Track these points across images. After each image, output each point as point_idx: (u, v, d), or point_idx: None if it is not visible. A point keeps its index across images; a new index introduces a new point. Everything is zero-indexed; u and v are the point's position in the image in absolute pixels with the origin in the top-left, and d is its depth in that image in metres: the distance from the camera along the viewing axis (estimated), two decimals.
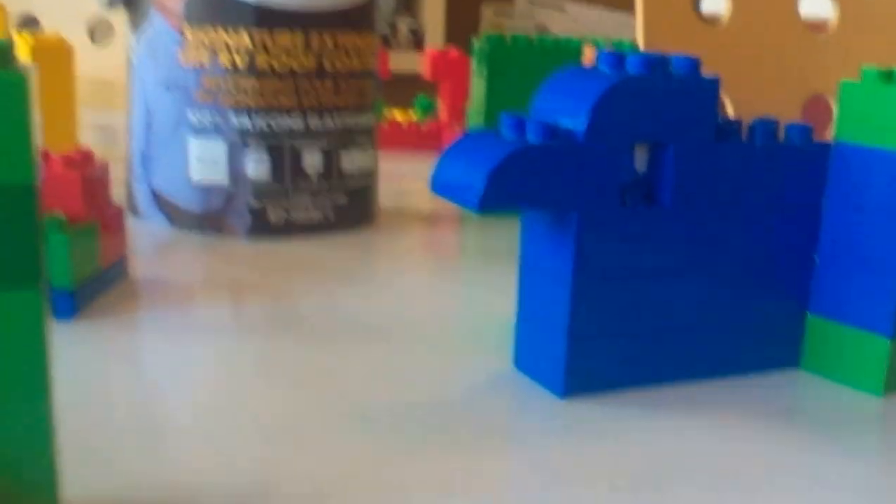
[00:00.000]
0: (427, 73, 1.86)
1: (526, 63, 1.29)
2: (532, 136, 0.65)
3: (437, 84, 1.92)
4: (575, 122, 0.66)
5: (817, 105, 1.44)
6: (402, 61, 3.15)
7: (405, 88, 2.17)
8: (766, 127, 0.72)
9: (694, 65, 0.69)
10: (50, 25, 2.28)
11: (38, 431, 0.43)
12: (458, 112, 1.83)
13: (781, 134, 0.74)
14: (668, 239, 0.70)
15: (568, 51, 1.28)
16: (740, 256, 0.73)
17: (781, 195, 0.73)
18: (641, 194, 0.70)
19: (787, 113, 1.53)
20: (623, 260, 0.69)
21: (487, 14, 4.40)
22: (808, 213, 0.75)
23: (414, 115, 2.06)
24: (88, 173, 0.83)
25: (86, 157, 0.84)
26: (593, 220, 0.67)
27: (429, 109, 2.05)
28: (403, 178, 1.55)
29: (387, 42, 4.09)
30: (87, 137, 1.77)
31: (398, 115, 2.06)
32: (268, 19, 1.09)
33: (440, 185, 0.68)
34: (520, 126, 0.66)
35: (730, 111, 1.64)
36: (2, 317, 0.42)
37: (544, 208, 0.68)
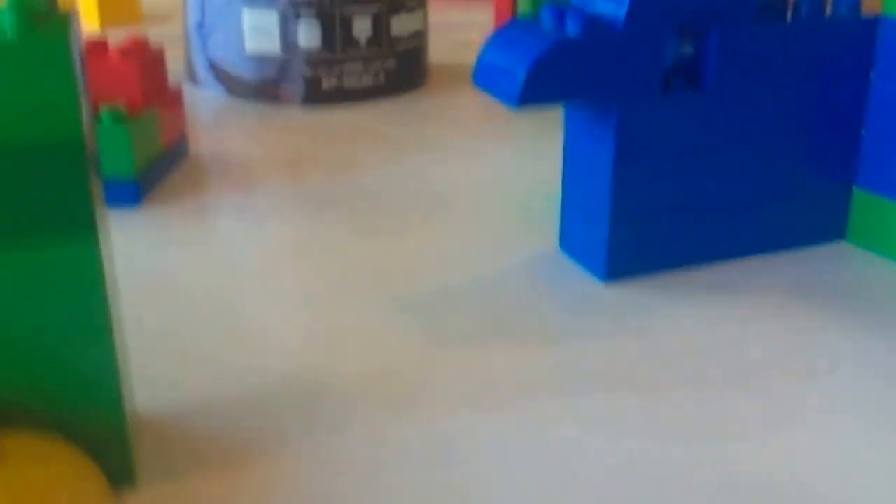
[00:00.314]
0: None
1: None
2: (571, 29, 0.66)
3: None
4: (614, 10, 0.66)
5: None
6: None
7: None
8: (812, 1, 0.72)
9: None
10: None
11: (104, 364, 0.47)
12: None
13: (828, 7, 0.73)
14: (711, 120, 0.71)
15: None
16: (785, 132, 0.74)
17: (828, 70, 0.73)
18: (684, 78, 0.70)
19: None
20: (665, 144, 0.70)
21: None
22: (856, 87, 0.75)
23: None
24: (145, 60, 0.86)
25: (141, 45, 0.86)
26: (634, 108, 0.68)
27: None
28: (456, 29, 1.55)
29: None
30: (153, 2, 1.78)
31: None
32: None
33: (481, 81, 0.69)
34: (560, 17, 0.67)
35: None
36: (59, 264, 0.44)
37: (585, 99, 0.69)
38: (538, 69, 0.64)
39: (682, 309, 0.68)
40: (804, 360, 0.61)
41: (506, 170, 0.96)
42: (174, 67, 1.14)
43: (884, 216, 0.75)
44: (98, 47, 0.85)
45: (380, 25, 1.15)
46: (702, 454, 0.52)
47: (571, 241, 0.76)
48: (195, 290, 0.71)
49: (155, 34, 0.95)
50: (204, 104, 1.15)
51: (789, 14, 0.72)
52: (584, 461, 0.51)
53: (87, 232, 0.44)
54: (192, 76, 1.22)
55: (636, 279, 0.72)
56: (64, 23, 0.43)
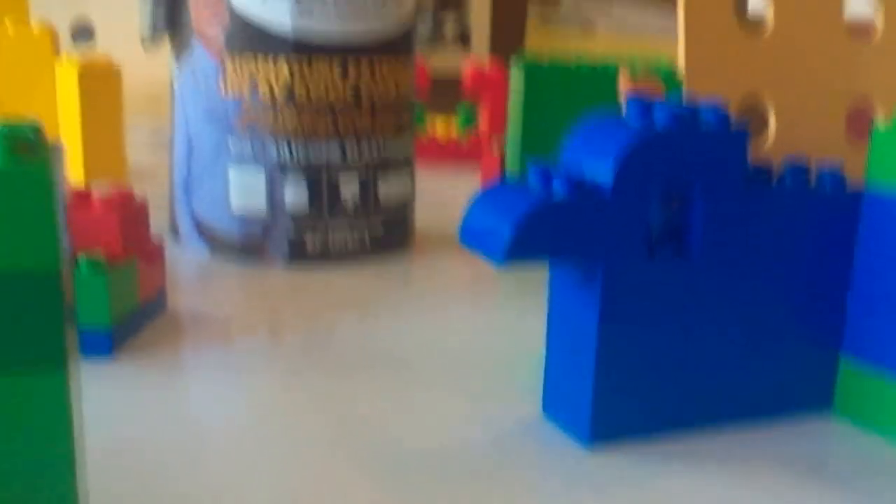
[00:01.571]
0: (467, 87, 1.87)
1: (562, 87, 1.30)
2: (557, 191, 0.66)
3: (478, 97, 1.93)
4: (601, 176, 0.67)
5: (863, 113, 1.43)
6: (449, 62, 3.17)
7: (449, 93, 2.17)
8: (797, 172, 0.72)
9: (723, 115, 0.69)
10: (106, 34, 2.28)
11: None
12: (498, 125, 1.84)
13: (813, 179, 0.73)
14: (696, 286, 0.70)
15: (605, 77, 1.28)
16: (771, 302, 0.73)
17: (813, 240, 0.73)
18: (670, 245, 0.70)
19: (832, 120, 1.51)
20: (650, 309, 0.69)
21: (534, 13, 4.39)
22: (841, 257, 0.74)
23: (455, 124, 2.07)
24: (127, 213, 0.85)
25: (125, 197, 0.86)
26: (619, 272, 0.68)
27: (471, 119, 2.06)
28: (443, 195, 1.56)
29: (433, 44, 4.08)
30: (143, 152, 1.80)
31: (440, 125, 2.07)
32: (306, 49, 1.10)
33: (467, 238, 0.69)
34: (546, 178, 0.67)
35: (772, 120, 1.63)
36: (28, 398, 0.44)
37: (570, 261, 0.68)
38: (524, 228, 0.64)
39: (664, 479, 0.66)
40: None
41: (489, 334, 0.95)
42: (158, 225, 1.14)
43: (871, 390, 0.74)
44: (81, 197, 0.85)
45: (368, 188, 1.15)
46: None
47: (555, 405, 0.74)
48: (159, 447, 0.68)
49: (140, 191, 0.95)
50: (186, 262, 1.14)
51: (773, 184, 0.72)
52: None
53: (55, 368, 0.44)
54: (175, 233, 1.21)
55: (620, 445, 0.70)
56: (50, 156, 0.43)
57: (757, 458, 0.69)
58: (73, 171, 1.50)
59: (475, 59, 1.89)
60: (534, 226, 0.65)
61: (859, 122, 1.49)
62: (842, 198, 0.73)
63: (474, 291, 1.11)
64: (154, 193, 1.29)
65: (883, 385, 0.73)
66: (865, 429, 0.74)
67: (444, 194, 1.57)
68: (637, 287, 0.69)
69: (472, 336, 0.94)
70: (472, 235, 0.68)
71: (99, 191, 0.87)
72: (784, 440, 0.72)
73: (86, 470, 0.51)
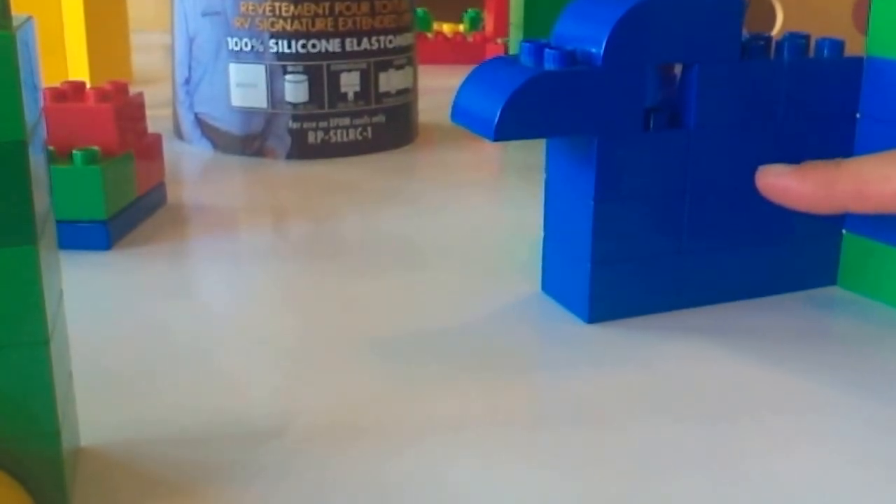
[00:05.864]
0: None
1: None
2: (549, 63, 0.64)
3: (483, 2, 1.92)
4: (593, 46, 0.65)
5: (867, 4, 1.40)
6: None
7: (457, 2, 2.14)
8: (795, 42, 0.71)
9: None
10: None
11: (38, 384, 0.44)
12: (503, 25, 1.82)
13: (812, 48, 0.72)
14: (693, 160, 0.69)
15: None
16: None
17: (813, 110, 0.72)
18: (666, 117, 0.69)
19: (837, 12, 1.49)
20: (647, 182, 0.68)
21: None
22: (842, 126, 0.73)
23: (462, 29, 2.05)
24: (121, 105, 0.84)
25: (119, 89, 0.85)
26: (615, 145, 0.67)
27: (477, 22, 2.03)
28: (447, 92, 1.55)
29: None
30: (150, 59, 1.79)
31: (447, 28, 2.04)
32: None
33: (459, 115, 0.68)
34: (538, 52, 0.65)
35: (778, 13, 1.61)
36: None
37: (564, 135, 0.67)
38: (515, 101, 0.63)
39: (666, 350, 0.65)
40: (790, 399, 0.59)
41: (490, 220, 0.95)
42: (162, 126, 1.13)
43: (874, 259, 0.73)
44: (76, 89, 0.84)
45: (368, 80, 1.14)
46: (683, 490, 0.49)
47: (554, 283, 0.73)
48: (160, 330, 0.68)
49: (146, 94, 0.93)
50: (188, 158, 1.14)
51: (771, 54, 0.71)
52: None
53: (22, 242, 0.42)
54: (178, 132, 1.21)
55: (621, 321, 0.69)
56: (14, 25, 0.41)
57: (760, 329, 0.68)
58: (78, 73, 1.50)
59: None
60: (525, 99, 0.63)
61: (865, 15, 1.47)
62: (840, 65, 0.72)
63: (476, 182, 1.11)
64: (159, 96, 1.28)
65: (887, 254, 0.72)
66: (870, 297, 0.74)
67: (449, 91, 1.55)
68: (633, 160, 0.68)
69: (473, 222, 0.93)
70: (464, 112, 0.68)
71: (93, 84, 0.86)
72: (787, 311, 0.71)
73: (69, 352, 0.51)
